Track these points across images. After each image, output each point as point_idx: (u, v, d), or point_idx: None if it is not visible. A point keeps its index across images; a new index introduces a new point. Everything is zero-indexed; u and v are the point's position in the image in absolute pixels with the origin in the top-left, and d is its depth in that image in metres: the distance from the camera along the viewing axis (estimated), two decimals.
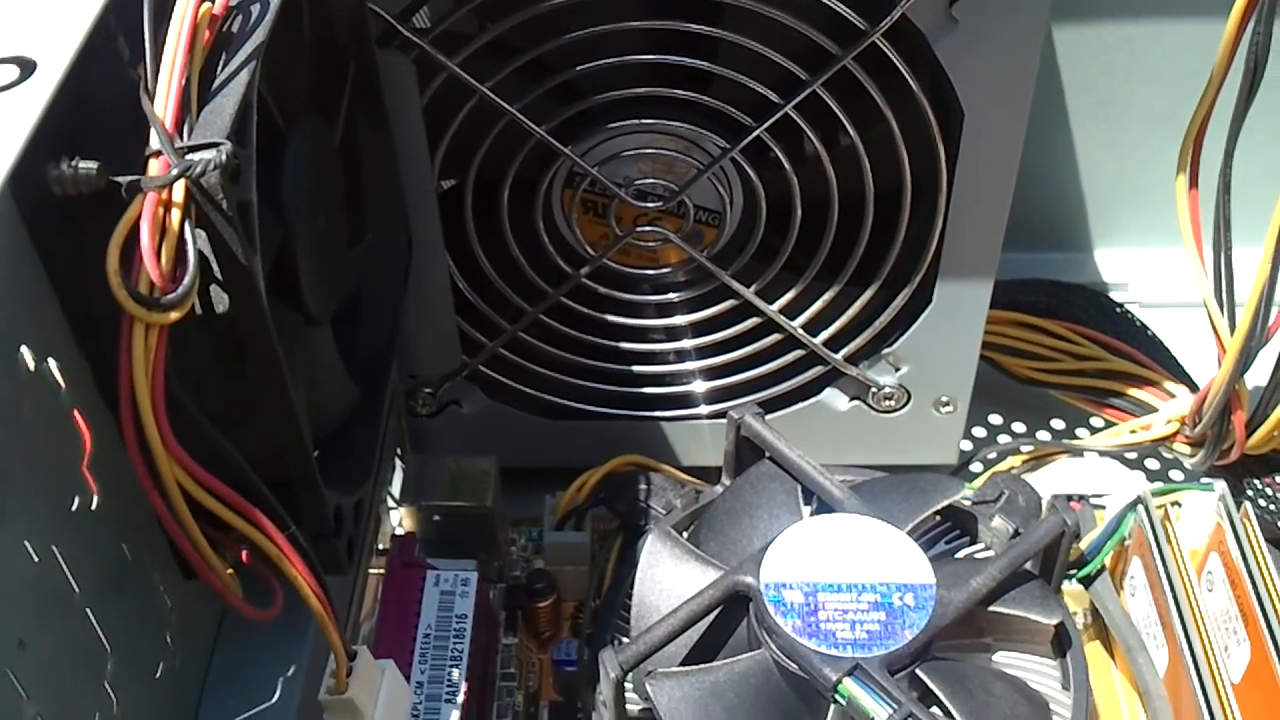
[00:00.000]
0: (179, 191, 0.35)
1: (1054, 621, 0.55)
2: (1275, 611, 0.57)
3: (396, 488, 0.67)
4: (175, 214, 0.35)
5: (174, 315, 0.35)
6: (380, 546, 0.64)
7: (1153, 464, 0.77)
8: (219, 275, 0.38)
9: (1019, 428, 0.80)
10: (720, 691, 0.53)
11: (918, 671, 0.53)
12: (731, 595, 0.55)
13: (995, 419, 0.80)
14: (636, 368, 0.69)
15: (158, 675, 0.45)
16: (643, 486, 0.65)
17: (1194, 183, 0.60)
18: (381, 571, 0.61)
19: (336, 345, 0.52)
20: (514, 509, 0.70)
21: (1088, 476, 0.68)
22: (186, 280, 0.35)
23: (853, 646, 0.52)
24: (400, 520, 0.66)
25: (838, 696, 0.51)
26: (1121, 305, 0.76)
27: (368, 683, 0.41)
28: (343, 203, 0.52)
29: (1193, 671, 0.57)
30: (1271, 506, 0.66)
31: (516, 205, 0.62)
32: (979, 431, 0.80)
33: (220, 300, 0.39)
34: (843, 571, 0.54)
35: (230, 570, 0.42)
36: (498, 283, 0.65)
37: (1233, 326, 0.60)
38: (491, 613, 0.66)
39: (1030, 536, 0.56)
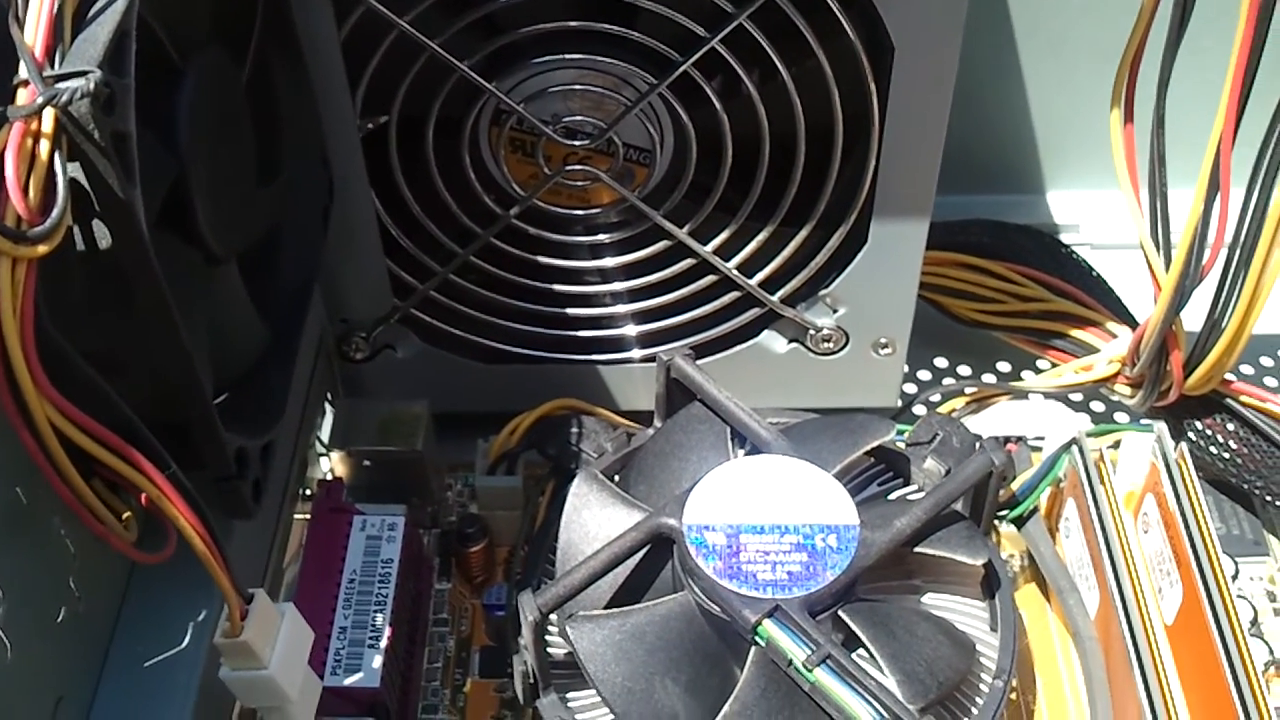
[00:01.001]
0: (48, 121, 0.34)
1: (980, 562, 0.55)
2: (1207, 552, 0.57)
3: (327, 433, 0.66)
4: (44, 145, 0.34)
5: (42, 249, 0.34)
6: (307, 492, 0.63)
7: (1098, 407, 0.76)
8: (98, 209, 0.37)
9: (964, 372, 0.79)
10: (641, 634, 0.53)
11: (840, 613, 0.53)
12: (655, 537, 0.54)
13: (940, 362, 0.80)
14: (571, 311, 0.68)
15: (59, 619, 0.44)
16: (575, 430, 0.64)
17: (1129, 117, 0.59)
18: (308, 517, 0.61)
19: (249, 286, 0.51)
20: (450, 455, 0.70)
21: (1029, 420, 0.67)
22: (55, 212, 0.34)
23: (773, 588, 0.52)
24: (331, 468, 0.65)
25: (757, 638, 0.51)
26: (1067, 246, 0.75)
27: (265, 626, 0.41)
28: (252, 140, 0.51)
29: (1122, 613, 0.56)
30: (1212, 448, 0.66)
31: (442, 144, 0.61)
32: (924, 375, 0.79)
33: (103, 235, 0.38)
34: (766, 513, 0.54)
35: (128, 515, 0.41)
36: (426, 224, 0.64)
37: (1168, 264, 0.59)
38: (424, 558, 0.66)
39: (957, 476, 0.56)
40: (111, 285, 0.39)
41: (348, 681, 0.55)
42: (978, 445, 0.60)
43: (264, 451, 0.49)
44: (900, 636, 0.53)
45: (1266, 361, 0.79)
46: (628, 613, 0.54)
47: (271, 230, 0.53)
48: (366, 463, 0.64)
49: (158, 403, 0.41)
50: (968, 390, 0.70)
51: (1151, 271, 0.60)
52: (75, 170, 0.36)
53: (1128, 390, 0.68)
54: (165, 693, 0.47)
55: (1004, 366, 0.78)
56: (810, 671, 0.49)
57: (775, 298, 0.66)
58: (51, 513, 0.43)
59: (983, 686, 0.55)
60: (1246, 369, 0.78)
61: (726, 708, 0.50)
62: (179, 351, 0.41)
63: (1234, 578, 0.63)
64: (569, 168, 0.62)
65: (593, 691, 0.54)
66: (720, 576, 0.52)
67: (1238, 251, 0.57)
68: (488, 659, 0.63)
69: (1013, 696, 0.61)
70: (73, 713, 0.44)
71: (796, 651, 0.50)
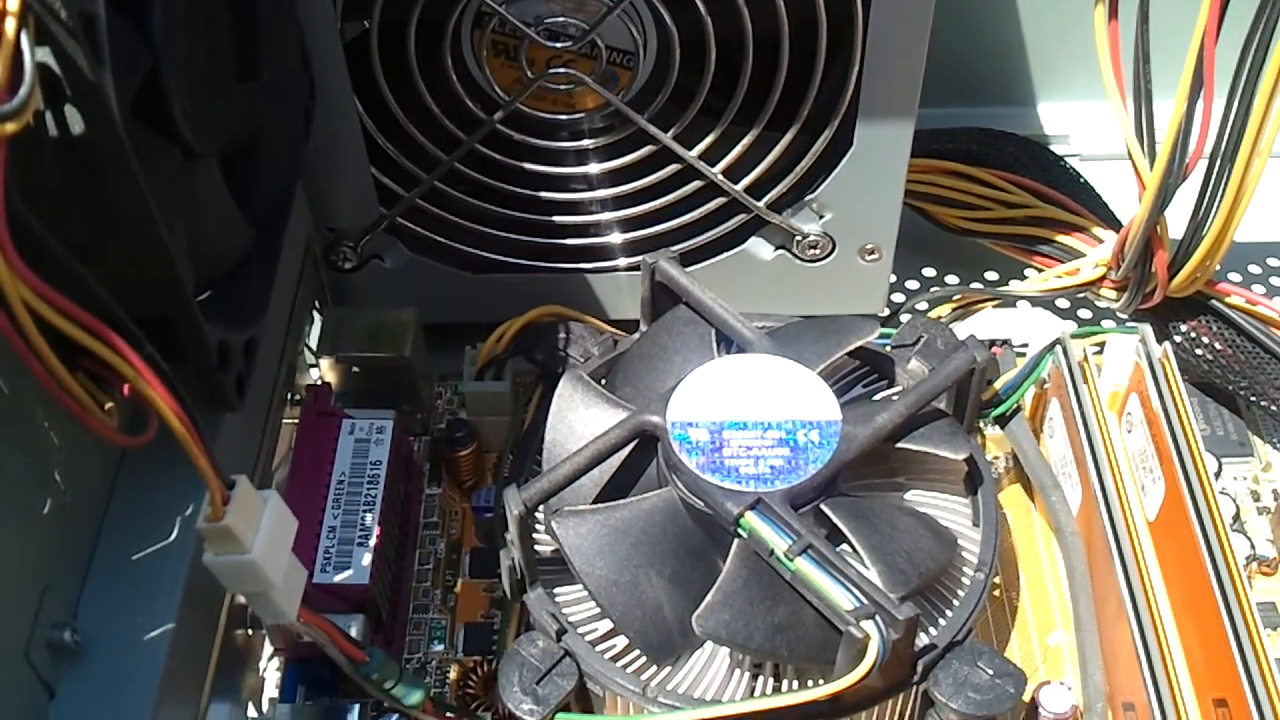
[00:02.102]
0: (14, 0, 0.34)
1: (961, 456, 0.55)
2: (1189, 449, 0.57)
3: (316, 341, 0.66)
4: (10, 22, 0.34)
5: (10, 127, 0.33)
6: (296, 398, 0.64)
7: (1085, 314, 0.76)
8: (69, 94, 0.37)
9: (952, 280, 0.79)
10: (626, 528, 0.54)
11: (822, 507, 0.53)
12: (639, 434, 0.55)
13: (929, 272, 0.80)
14: (557, 218, 0.68)
15: (45, 511, 0.45)
16: (561, 335, 0.64)
17: (1113, 13, 0.58)
18: (296, 422, 0.61)
19: (231, 186, 0.51)
20: (439, 365, 0.70)
21: (1016, 325, 0.67)
22: (23, 90, 0.34)
23: (756, 481, 0.52)
24: (320, 375, 0.66)
25: (739, 530, 0.52)
26: (1055, 153, 0.75)
27: (247, 512, 0.41)
28: (231, 38, 0.51)
29: (1103, 508, 0.57)
30: (1197, 350, 0.66)
31: (425, 48, 0.61)
32: (912, 284, 0.80)
33: (75, 121, 0.38)
34: (749, 410, 0.54)
35: (110, 405, 0.41)
36: (410, 130, 0.64)
37: (1152, 163, 0.59)
38: (414, 464, 0.66)
39: (940, 372, 0.56)
40: (87, 174, 0.39)
41: (337, 579, 0.56)
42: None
43: (247, 347, 0.49)
44: (882, 529, 0.53)
45: (1254, 269, 0.79)
46: (612, 508, 0.54)
47: (252, 131, 0.53)
48: (355, 369, 0.65)
49: (137, 294, 0.41)
50: (955, 296, 0.71)
51: (1136, 170, 0.60)
52: (46, 55, 0.36)
53: (1113, 294, 0.68)
54: (152, 585, 0.48)
55: (992, 275, 0.78)
56: (791, 561, 0.50)
57: (761, 203, 0.66)
58: (34, 404, 0.44)
59: (964, 579, 0.55)
60: (1235, 276, 0.78)
61: (709, 597, 0.51)
62: (155, 241, 0.41)
63: (1216, 475, 0.64)
64: (552, 71, 0.62)
65: (579, 586, 0.55)
66: (703, 471, 0.52)
67: (1221, 150, 0.57)
68: (477, 560, 0.64)
69: (996, 594, 0.62)
70: (59, 603, 0.45)
71: (778, 542, 0.50)
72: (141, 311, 0.41)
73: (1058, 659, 0.59)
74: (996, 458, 0.66)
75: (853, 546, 0.52)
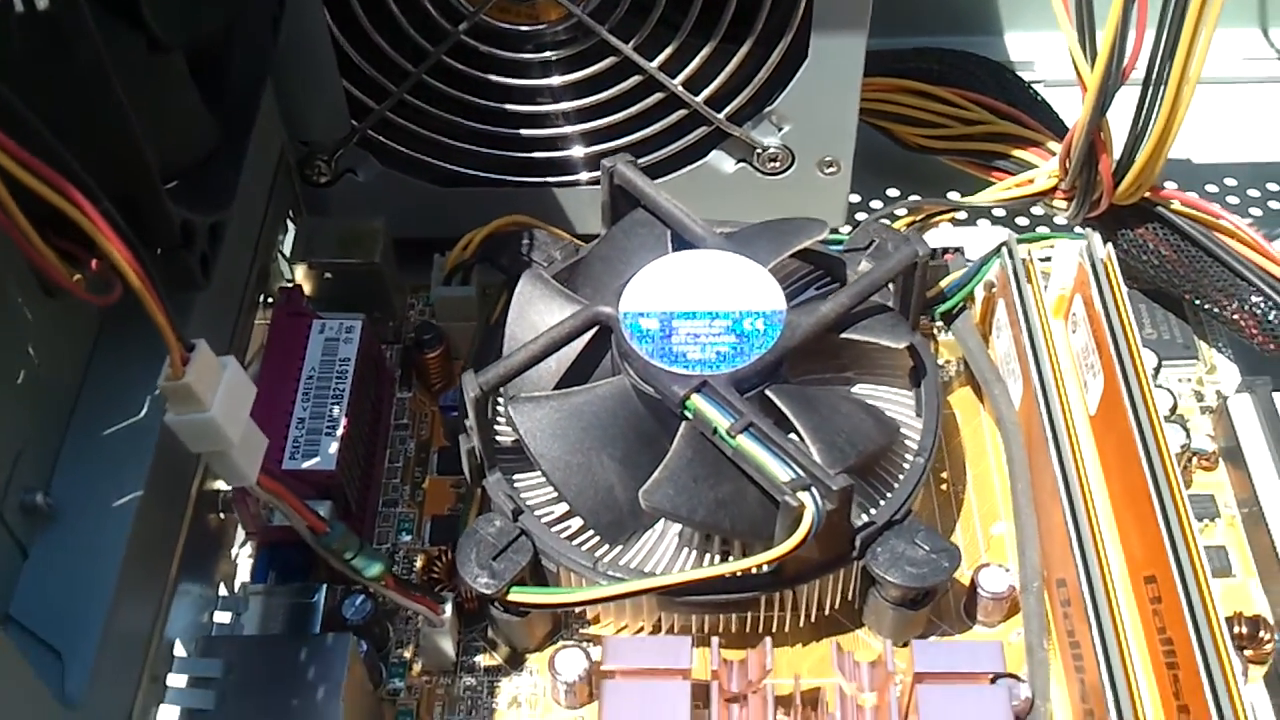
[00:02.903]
0: None
1: (902, 345, 0.58)
2: (1127, 341, 0.59)
3: (289, 249, 0.68)
4: None
5: None
6: (269, 300, 0.66)
7: (1043, 230, 0.78)
8: None
9: (915, 200, 0.81)
10: (579, 413, 0.56)
11: (767, 393, 0.56)
12: (592, 324, 0.57)
13: (893, 192, 0.82)
14: (523, 131, 0.70)
15: (19, 381, 0.47)
16: (526, 243, 0.67)
17: None
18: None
19: (198, 81, 0.53)
20: (412, 280, 0.72)
21: (972, 238, 0.69)
22: None
23: (702, 366, 0.54)
24: (294, 282, 0.68)
25: (686, 411, 0.54)
26: (1012, 71, 0.77)
27: (207, 373, 0.43)
28: None
29: (1041, 397, 0.59)
30: (1144, 256, 0.68)
31: None
32: (876, 205, 0.82)
33: None
34: (698, 300, 0.57)
35: (78, 277, 0.44)
36: (379, 42, 0.66)
37: (1093, 66, 0.61)
38: (386, 369, 0.69)
39: (883, 265, 0.58)
40: (52, 48, 0.41)
41: (305, 465, 0.58)
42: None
43: (213, 230, 0.51)
44: (823, 412, 0.56)
45: (1211, 188, 0.81)
46: (567, 394, 0.57)
47: (219, 29, 0.55)
48: (328, 275, 0.67)
49: (102, 171, 0.43)
50: (913, 209, 0.72)
51: (1079, 75, 0.62)
52: None
53: (1064, 205, 0.70)
54: (123, 456, 0.50)
55: (954, 196, 0.80)
56: (733, 438, 0.52)
57: (721, 115, 0.68)
58: (6, 281, 0.46)
59: (905, 464, 0.58)
60: (1211, 188, 0.81)
61: (656, 474, 0.53)
62: (118, 115, 0.43)
63: (1155, 370, 0.66)
64: None
65: (536, 473, 0.58)
66: (653, 357, 0.55)
67: (1159, 52, 0.59)
68: (445, 458, 0.66)
69: (943, 487, 0.64)
70: (33, 469, 0.47)
71: (721, 420, 0.52)
72: (106, 191, 0.43)
73: (1000, 547, 0.62)
74: (948, 362, 0.69)
75: (795, 430, 0.54)
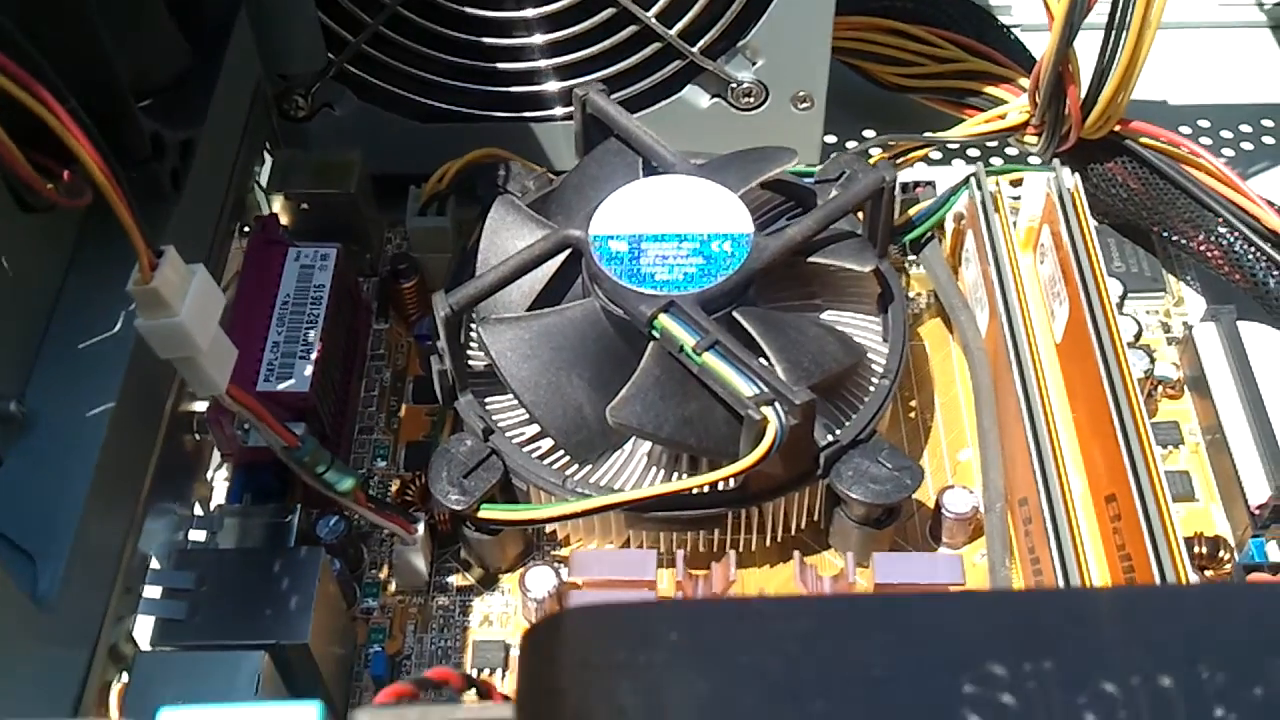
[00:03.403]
0: None
1: (868, 268, 0.58)
2: (1091, 265, 0.60)
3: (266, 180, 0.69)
4: None
5: None
6: (246, 229, 0.67)
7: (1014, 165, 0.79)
8: None
9: (888, 136, 0.81)
10: (549, 333, 0.57)
11: (734, 314, 0.56)
12: (562, 247, 0.58)
13: (869, 133, 0.82)
14: (500, 65, 0.70)
15: None
16: (501, 174, 0.67)
17: None
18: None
19: (172, 6, 0.54)
20: (390, 215, 0.73)
21: (945, 174, 0.70)
22: None
23: (670, 287, 0.55)
24: (271, 212, 0.68)
25: (653, 331, 0.55)
26: (986, 10, 0.78)
27: (175, 279, 0.44)
28: None
29: (1005, 323, 0.60)
30: (1113, 189, 0.69)
31: None
32: (852, 145, 0.82)
33: None
34: (667, 223, 0.57)
35: (50, 185, 0.44)
36: None
37: None
38: (363, 300, 0.69)
39: (849, 190, 0.59)
40: None
41: (280, 386, 0.59)
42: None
43: (184, 148, 0.52)
44: (789, 334, 0.56)
45: (1185, 130, 0.82)
46: (537, 315, 0.58)
47: None
48: (304, 206, 0.68)
49: (72, 83, 0.44)
50: (888, 145, 0.73)
51: (1046, 6, 0.62)
52: None
53: (1035, 140, 0.70)
54: (97, 368, 0.51)
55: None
56: (699, 356, 0.53)
57: (695, 49, 0.69)
58: None
59: (871, 387, 0.59)
60: (1185, 129, 0.81)
61: (624, 391, 0.54)
62: (89, 25, 0.44)
63: (1121, 298, 0.66)
64: None
65: (508, 396, 0.58)
66: (621, 278, 0.55)
67: None
68: (421, 387, 0.67)
69: (911, 415, 0.65)
70: (6, 378, 0.48)
71: (687, 339, 0.53)
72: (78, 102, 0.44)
73: (967, 472, 0.63)
74: (919, 294, 0.69)
75: (757, 348, 0.55)
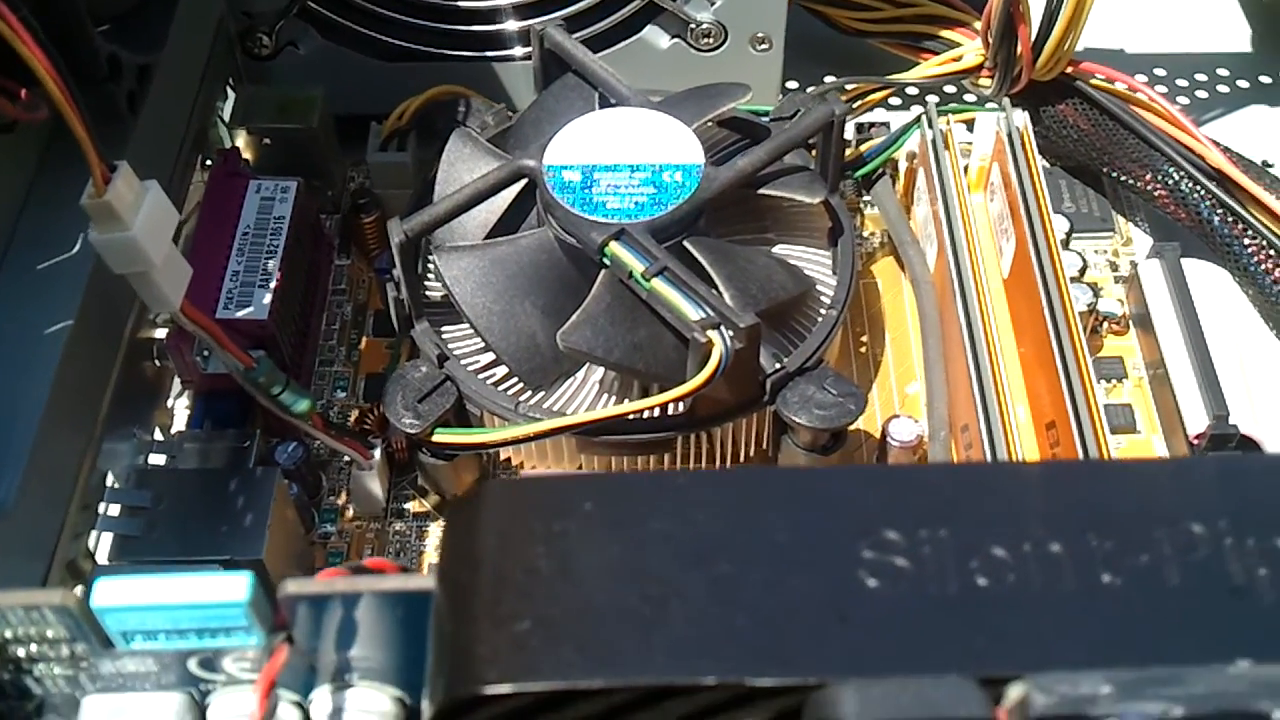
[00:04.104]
0: None
1: (817, 200, 0.59)
2: (1037, 200, 0.61)
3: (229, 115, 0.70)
4: None
5: None
6: (208, 162, 0.67)
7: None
8: None
9: (844, 79, 0.82)
10: (503, 261, 0.58)
11: (685, 244, 0.57)
12: (516, 177, 0.59)
13: (829, 78, 0.83)
14: (461, 3, 0.71)
15: None
16: (461, 110, 0.68)
17: None
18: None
19: None
20: (352, 156, 0.74)
21: (901, 118, 0.71)
22: None
23: (621, 215, 0.56)
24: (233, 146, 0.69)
25: (604, 258, 0.56)
26: None
27: (129, 194, 0.45)
28: None
29: (951, 256, 0.61)
30: (1064, 131, 0.70)
31: None
32: (812, 90, 0.83)
33: None
34: (619, 154, 0.58)
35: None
36: None
37: None
38: (325, 235, 0.70)
39: (800, 123, 0.60)
40: None
41: (239, 314, 0.60)
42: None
43: (142, 72, 0.53)
44: (738, 264, 0.57)
45: (1140, 78, 0.83)
46: (492, 244, 0.59)
47: None
48: (267, 141, 0.68)
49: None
50: (848, 87, 0.74)
51: None
52: None
53: (988, 83, 0.71)
54: (54, 290, 0.52)
55: None
56: (648, 281, 0.54)
57: None
58: None
59: (819, 318, 0.60)
60: (1141, 78, 0.82)
61: (574, 317, 0.55)
62: None
63: (1067, 235, 0.68)
64: None
65: (463, 326, 0.59)
66: (573, 207, 0.56)
67: None
68: (381, 321, 0.68)
69: (862, 350, 0.66)
70: None
71: (636, 265, 0.54)
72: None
73: (914, 404, 0.64)
74: (872, 234, 0.71)
75: (706, 276, 0.56)
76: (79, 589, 0.31)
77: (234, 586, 0.29)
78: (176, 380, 0.63)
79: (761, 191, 0.59)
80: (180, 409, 0.63)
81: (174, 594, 0.29)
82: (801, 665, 0.26)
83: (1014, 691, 0.25)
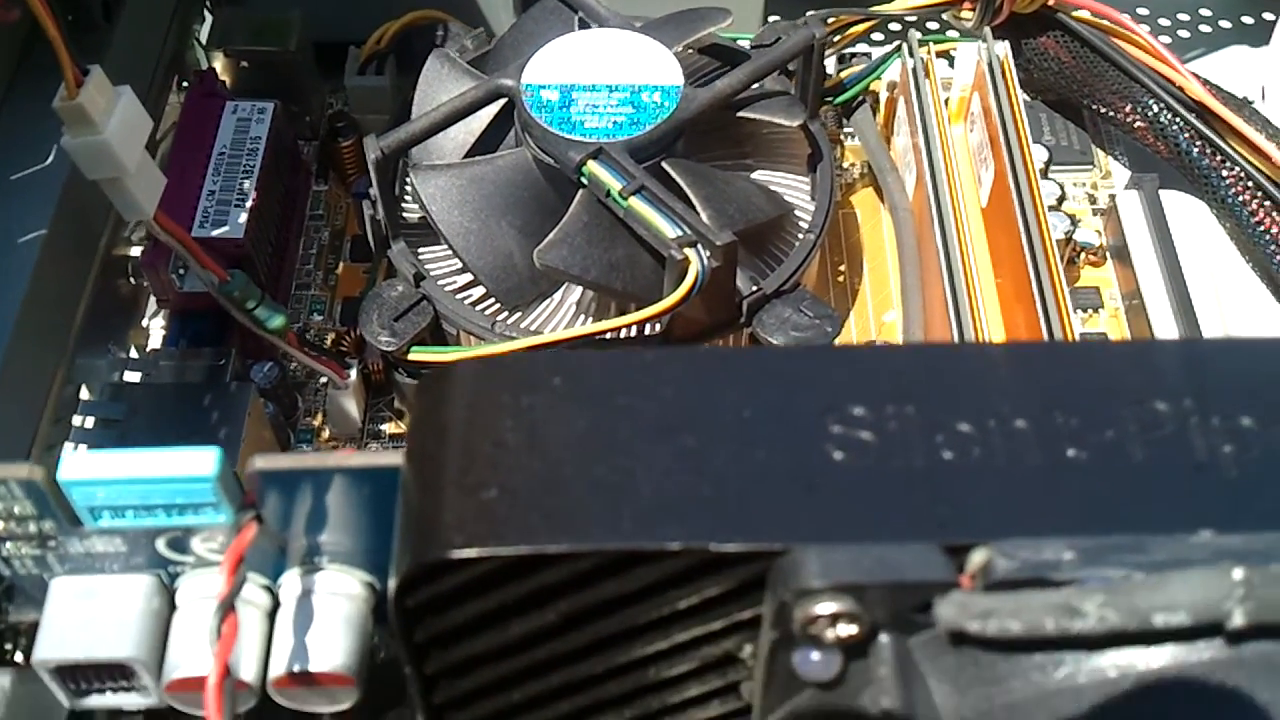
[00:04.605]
0: None
1: (796, 123, 0.59)
2: (1016, 128, 0.61)
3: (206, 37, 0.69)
4: None
5: None
6: (185, 84, 0.67)
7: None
8: None
9: (827, 11, 0.82)
10: (480, 180, 0.58)
11: (663, 164, 0.57)
12: (494, 96, 0.58)
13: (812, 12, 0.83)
14: None
15: None
16: (440, 34, 0.67)
17: None
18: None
19: None
20: (331, 83, 0.73)
21: (884, 51, 0.71)
22: None
23: (599, 134, 0.56)
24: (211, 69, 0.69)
25: (582, 177, 0.55)
26: None
27: (101, 98, 0.45)
28: None
29: (930, 182, 0.61)
30: (1045, 63, 0.70)
31: None
32: None
33: None
34: (598, 74, 0.58)
35: None
36: None
37: None
38: (302, 161, 0.70)
39: (779, 46, 0.60)
40: None
41: (214, 233, 0.59)
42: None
43: None
44: (716, 185, 0.57)
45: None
46: (469, 163, 0.58)
47: None
48: (244, 64, 0.68)
49: None
50: (828, 20, 0.74)
51: None
52: None
53: (970, 15, 0.71)
54: (28, 199, 0.52)
55: None
56: (625, 200, 0.54)
57: None
58: None
59: (796, 242, 0.60)
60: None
61: (551, 235, 0.55)
62: None
63: (1045, 164, 0.68)
64: None
65: (440, 247, 0.59)
66: (551, 126, 0.56)
67: None
68: (358, 245, 0.68)
69: (840, 279, 0.66)
70: None
71: (614, 183, 0.54)
72: None
73: (891, 332, 0.64)
74: (853, 164, 0.70)
75: (684, 197, 0.56)
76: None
77: (202, 461, 0.29)
78: (153, 300, 0.62)
79: (741, 115, 0.59)
80: (156, 328, 0.63)
81: (142, 468, 0.29)
82: (766, 531, 0.26)
83: (977, 556, 0.25)
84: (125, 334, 0.60)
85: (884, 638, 0.26)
